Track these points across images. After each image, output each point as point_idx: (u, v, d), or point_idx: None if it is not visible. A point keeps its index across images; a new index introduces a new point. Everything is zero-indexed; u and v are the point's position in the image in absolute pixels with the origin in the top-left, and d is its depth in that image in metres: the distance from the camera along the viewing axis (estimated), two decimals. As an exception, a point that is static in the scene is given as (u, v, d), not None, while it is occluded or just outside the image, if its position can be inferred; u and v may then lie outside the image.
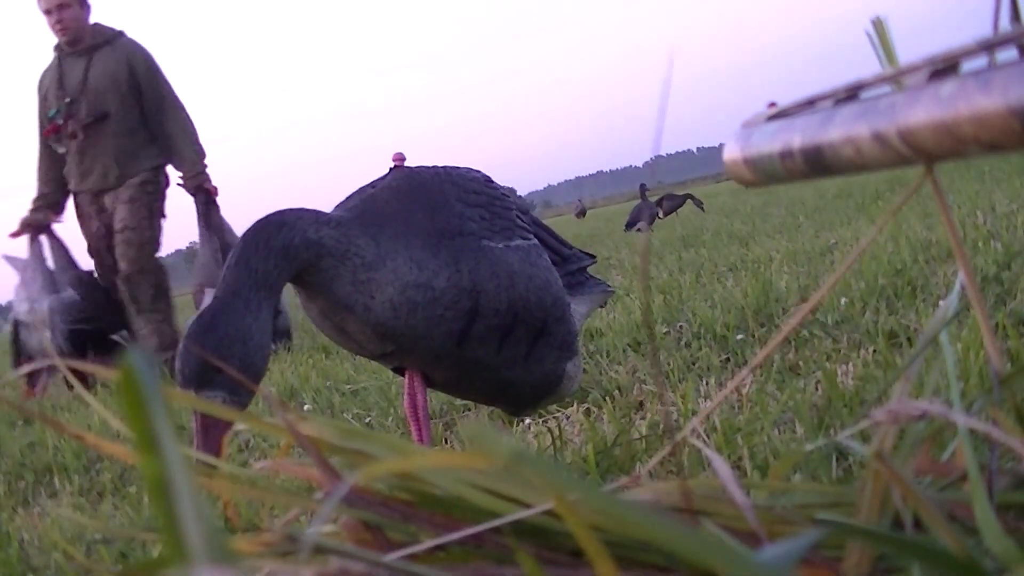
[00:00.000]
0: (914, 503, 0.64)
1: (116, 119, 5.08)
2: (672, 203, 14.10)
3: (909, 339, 2.06)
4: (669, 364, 2.34)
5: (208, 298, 4.82)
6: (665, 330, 2.78)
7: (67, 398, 4.62)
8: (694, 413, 1.76)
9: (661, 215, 13.54)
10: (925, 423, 0.73)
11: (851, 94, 0.65)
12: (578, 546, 0.55)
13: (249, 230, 1.40)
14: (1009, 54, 0.56)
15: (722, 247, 5.76)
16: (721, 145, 0.83)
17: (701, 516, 0.68)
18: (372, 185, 1.60)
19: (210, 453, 1.28)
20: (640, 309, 3.21)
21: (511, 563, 0.66)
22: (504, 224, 1.62)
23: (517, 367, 1.62)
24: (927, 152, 0.56)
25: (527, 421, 2.09)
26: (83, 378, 4.43)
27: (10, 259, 5.41)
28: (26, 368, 4.99)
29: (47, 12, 5.01)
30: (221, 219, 5.39)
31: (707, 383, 2.09)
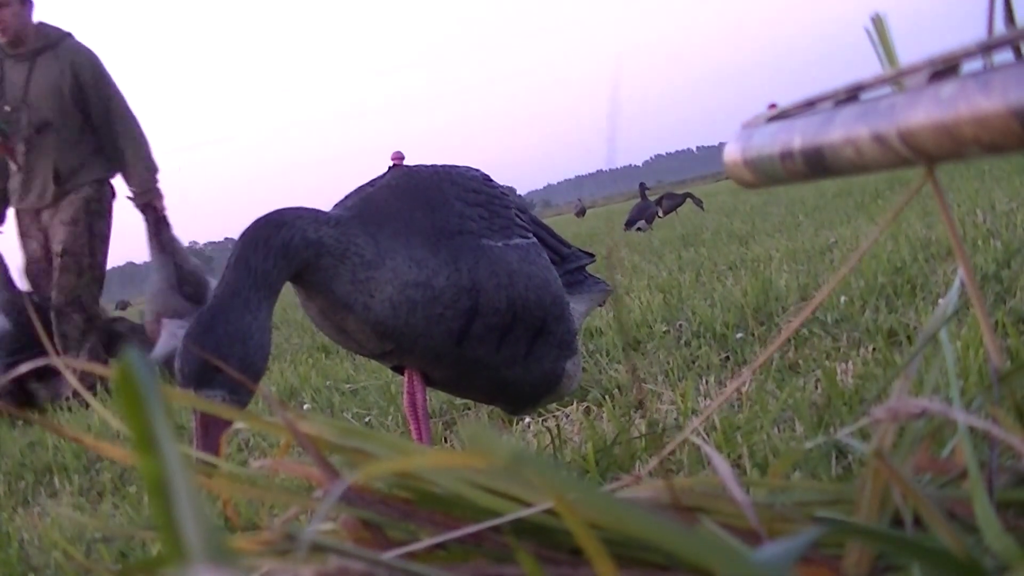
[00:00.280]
0: (914, 501, 0.64)
1: (59, 130, 4.70)
2: (672, 202, 14.10)
3: (909, 337, 2.06)
4: (669, 363, 2.34)
5: (167, 330, 4.64)
6: (665, 329, 2.79)
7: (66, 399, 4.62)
8: (694, 412, 1.76)
9: (661, 214, 13.54)
10: (925, 421, 0.73)
11: (851, 95, 0.65)
12: (578, 545, 0.55)
13: (248, 229, 1.40)
14: (1009, 55, 0.56)
15: (722, 246, 5.76)
16: (721, 144, 0.83)
17: (701, 514, 0.68)
18: (371, 184, 1.60)
19: (209, 452, 1.28)
20: (640, 308, 3.21)
21: (511, 562, 0.66)
22: (503, 223, 1.62)
23: (516, 366, 1.62)
24: (927, 153, 0.56)
25: (527, 420, 2.10)
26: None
27: None
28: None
29: None
30: (173, 239, 4.94)
31: (707, 382, 2.09)
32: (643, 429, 1.70)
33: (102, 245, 4.78)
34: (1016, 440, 0.65)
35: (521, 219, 1.68)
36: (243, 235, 1.40)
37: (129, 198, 4.84)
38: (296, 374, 3.64)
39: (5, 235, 4.95)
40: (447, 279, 1.49)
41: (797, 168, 0.68)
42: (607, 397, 2.09)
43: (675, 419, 1.77)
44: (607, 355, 2.63)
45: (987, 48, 0.55)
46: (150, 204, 4.81)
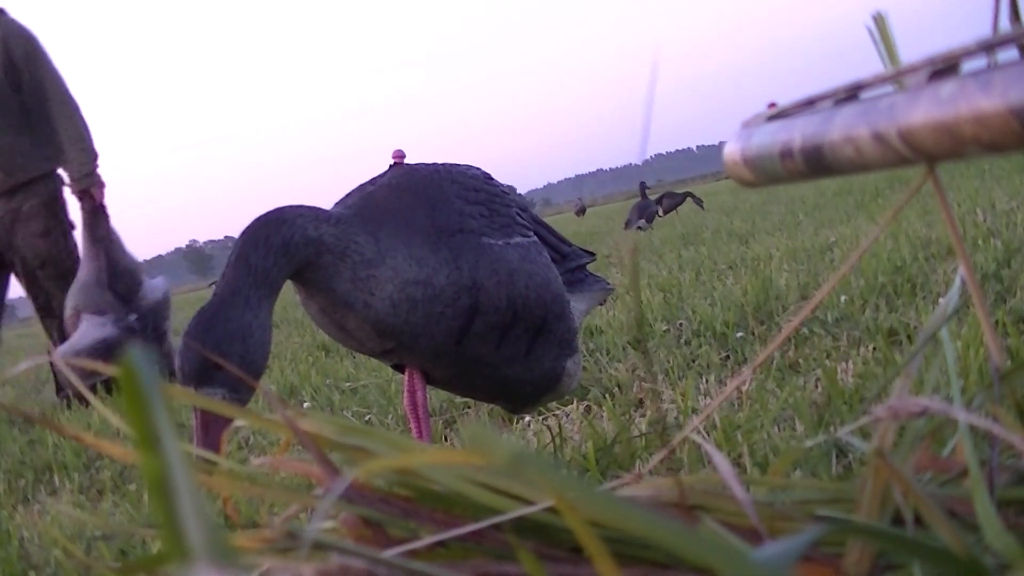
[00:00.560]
0: (914, 500, 0.64)
1: None
2: (672, 201, 14.10)
3: (909, 336, 2.06)
4: (669, 362, 2.34)
5: (85, 325, 4.47)
6: (665, 328, 2.79)
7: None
8: (694, 410, 1.76)
9: (661, 213, 13.54)
10: (925, 420, 0.73)
11: (851, 94, 0.65)
12: (579, 543, 0.55)
13: (248, 227, 1.40)
14: (1009, 54, 0.56)
15: (722, 245, 5.76)
16: (721, 143, 0.83)
17: (701, 512, 0.68)
18: (372, 182, 1.60)
19: (210, 450, 1.28)
20: (640, 307, 3.21)
21: (511, 560, 0.66)
22: (504, 221, 1.62)
23: (517, 364, 1.62)
24: (927, 152, 0.56)
25: (527, 419, 2.10)
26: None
27: None
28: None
29: None
30: (110, 231, 4.56)
31: (707, 380, 2.09)
32: (643, 428, 1.70)
33: (74, 242, 4.63)
34: (1017, 439, 0.65)
35: (521, 218, 1.68)
36: (244, 233, 1.40)
37: (66, 185, 4.62)
38: (296, 372, 3.64)
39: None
40: (447, 277, 1.49)
41: (797, 167, 0.68)
42: (607, 396, 2.09)
43: (675, 418, 1.78)
44: (607, 354, 2.63)
45: (987, 47, 0.55)
46: (87, 192, 4.51)
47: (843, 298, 2.53)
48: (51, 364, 4.15)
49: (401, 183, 1.56)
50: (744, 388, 1.79)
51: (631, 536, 0.64)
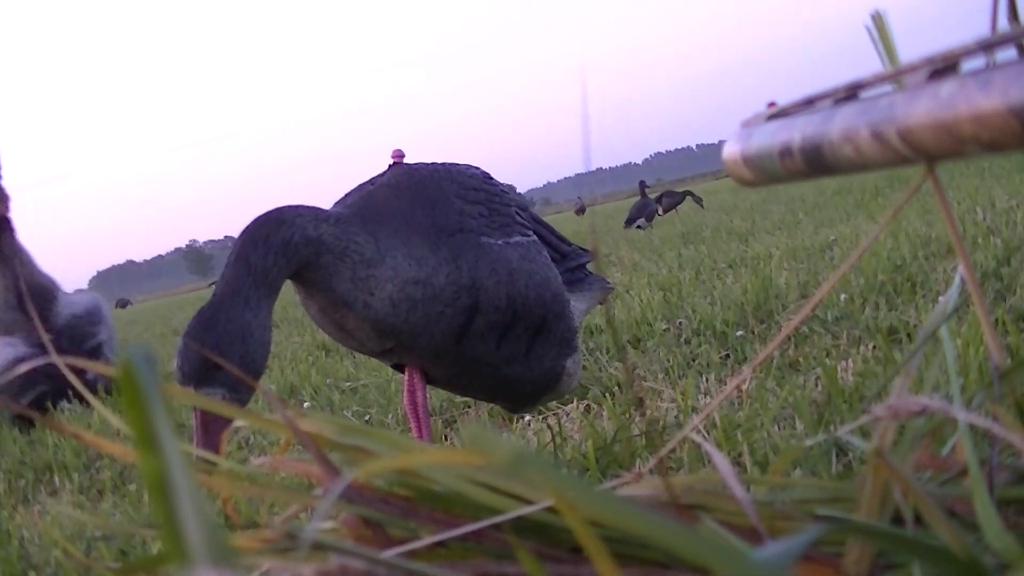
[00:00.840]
0: (914, 499, 0.64)
1: None
2: (671, 200, 14.09)
3: (909, 335, 2.06)
4: (669, 361, 2.34)
5: None
6: (665, 327, 2.79)
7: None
8: (694, 409, 1.76)
9: (661, 212, 13.53)
10: (925, 419, 0.73)
11: (850, 93, 0.65)
12: (579, 542, 0.55)
13: (248, 227, 1.40)
14: (1008, 54, 0.56)
15: (722, 244, 5.76)
16: (721, 142, 0.83)
17: (701, 512, 0.68)
18: (371, 182, 1.60)
19: (209, 450, 1.28)
20: (640, 306, 3.21)
21: (511, 560, 0.66)
22: (503, 221, 1.62)
23: (517, 364, 1.62)
24: (927, 152, 0.56)
25: (527, 418, 2.10)
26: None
27: None
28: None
29: None
30: (17, 247, 4.17)
31: (707, 379, 2.09)
32: (643, 427, 1.70)
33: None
34: (1016, 438, 0.65)
35: (521, 217, 1.68)
36: (243, 233, 1.40)
37: None
38: (296, 372, 3.64)
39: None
40: (447, 277, 1.49)
41: (796, 166, 0.68)
42: (607, 395, 2.09)
43: (675, 417, 1.78)
44: (607, 353, 2.63)
45: (986, 46, 0.55)
46: None
47: (843, 296, 2.53)
48: None
49: (400, 183, 1.56)
50: (744, 387, 1.79)
51: (631, 536, 0.64)
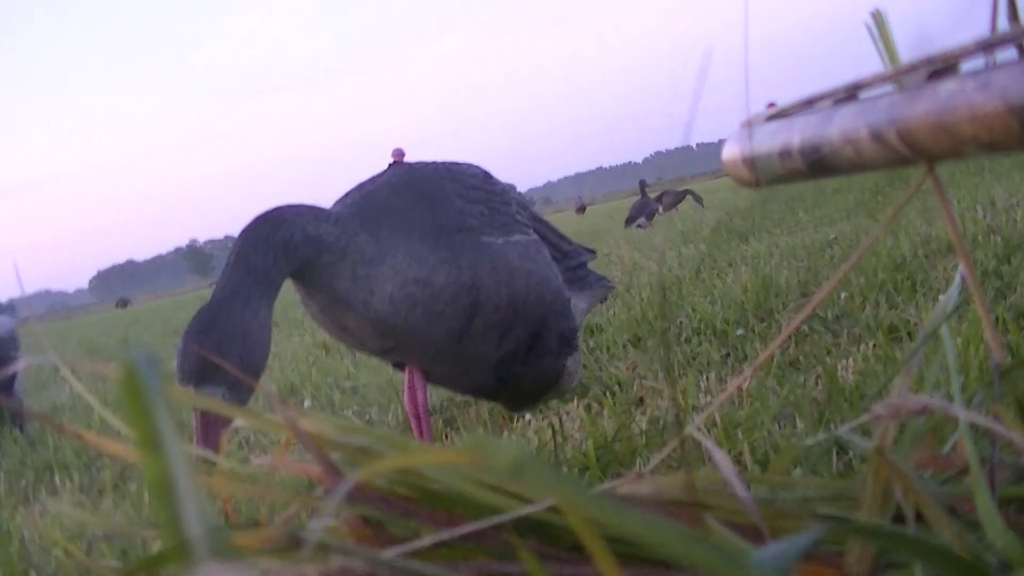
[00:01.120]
0: (915, 497, 0.64)
1: None
2: (672, 199, 14.09)
3: (909, 333, 2.06)
4: (669, 359, 2.34)
5: None
6: (665, 325, 2.78)
7: (67, 396, 4.62)
8: (695, 408, 1.76)
9: (661, 211, 13.53)
10: (926, 417, 0.73)
11: (850, 94, 0.65)
12: (580, 542, 0.55)
13: (248, 227, 1.40)
14: (1008, 54, 0.56)
15: (722, 243, 5.76)
16: (721, 141, 0.83)
17: (703, 511, 0.68)
18: (371, 181, 1.60)
19: (209, 450, 1.28)
20: (640, 305, 3.21)
21: (513, 559, 0.66)
22: (504, 220, 1.62)
23: (517, 363, 1.62)
24: (926, 152, 0.56)
25: (527, 417, 2.10)
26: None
27: None
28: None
29: None
30: None
31: (707, 378, 2.09)
32: (644, 426, 1.70)
33: None
34: (1017, 436, 0.65)
35: (521, 216, 1.68)
36: (243, 233, 1.40)
37: None
38: (296, 371, 3.64)
39: None
40: (447, 276, 1.49)
41: (796, 167, 0.68)
42: (608, 394, 2.09)
43: (676, 415, 1.77)
44: (607, 352, 2.63)
45: (986, 46, 0.55)
46: None
47: (843, 295, 2.53)
48: None
49: (401, 182, 1.56)
50: (744, 386, 1.79)
51: (633, 535, 0.64)
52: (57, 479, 2.58)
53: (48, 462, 2.81)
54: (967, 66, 0.56)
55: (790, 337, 2.21)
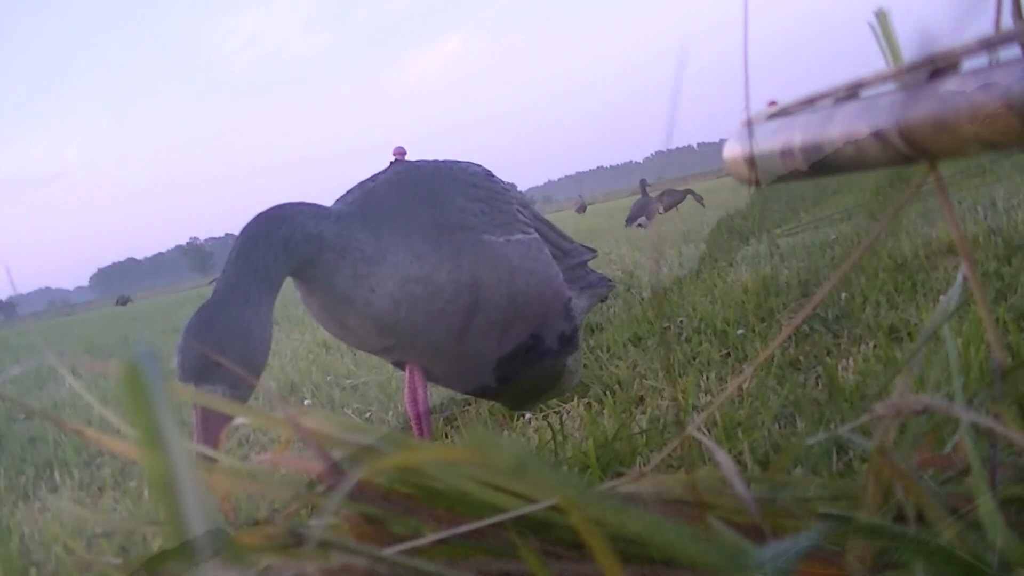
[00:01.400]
0: (916, 497, 0.64)
1: None
2: (672, 198, 14.08)
3: (910, 334, 2.06)
4: (669, 359, 2.34)
5: None
6: (665, 325, 2.78)
7: (67, 393, 4.62)
8: (695, 408, 1.76)
9: (661, 210, 13.52)
10: (926, 417, 0.73)
11: (851, 93, 0.65)
12: (582, 540, 0.55)
13: (249, 225, 1.40)
14: (1010, 52, 0.56)
15: (722, 242, 5.76)
16: (722, 141, 0.83)
17: (704, 510, 0.68)
18: (372, 179, 1.60)
19: (209, 447, 1.28)
20: (641, 304, 3.21)
21: (514, 557, 0.66)
22: (504, 219, 1.62)
23: (517, 361, 1.62)
24: (927, 150, 0.56)
25: (528, 416, 2.10)
26: None
27: None
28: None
29: None
30: None
31: (707, 378, 2.09)
32: (644, 425, 1.70)
33: None
34: (1018, 436, 0.65)
35: (522, 215, 1.68)
36: (244, 230, 1.40)
37: None
38: (297, 369, 3.64)
39: None
40: (448, 274, 1.49)
41: (797, 165, 0.68)
42: (608, 393, 2.09)
43: (676, 415, 1.77)
44: (608, 351, 2.63)
45: (988, 45, 0.55)
46: None
47: (844, 295, 2.53)
48: None
49: (402, 180, 1.56)
50: (745, 385, 1.79)
51: (634, 533, 0.64)
52: (57, 476, 2.58)
53: (48, 459, 2.81)
54: (969, 65, 0.56)
55: (790, 337, 2.21)
